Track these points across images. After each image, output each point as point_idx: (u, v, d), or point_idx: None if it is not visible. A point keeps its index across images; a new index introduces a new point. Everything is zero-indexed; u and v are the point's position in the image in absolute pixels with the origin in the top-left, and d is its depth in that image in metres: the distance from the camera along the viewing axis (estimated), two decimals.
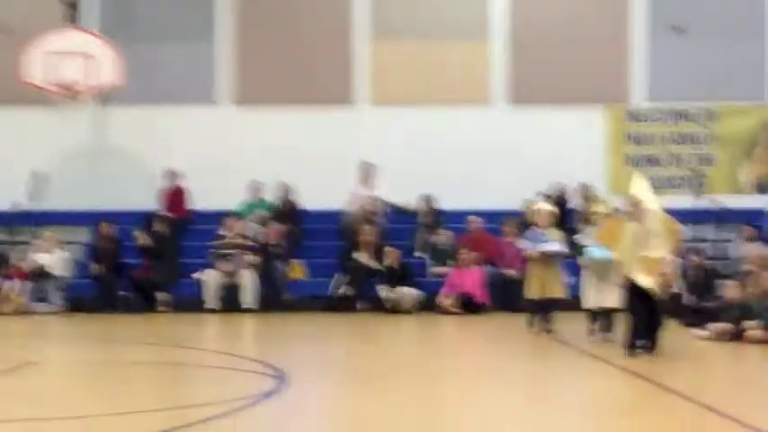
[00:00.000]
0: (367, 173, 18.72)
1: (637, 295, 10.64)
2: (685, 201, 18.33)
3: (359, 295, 17.13)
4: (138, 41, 19.23)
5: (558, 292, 13.11)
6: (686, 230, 16.57)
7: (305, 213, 18.69)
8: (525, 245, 13.34)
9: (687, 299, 14.61)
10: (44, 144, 19.36)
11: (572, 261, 13.28)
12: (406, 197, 18.75)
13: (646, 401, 8.61)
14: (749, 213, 17.98)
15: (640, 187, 10.92)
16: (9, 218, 18.67)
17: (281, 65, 19.61)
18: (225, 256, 17.32)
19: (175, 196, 19.03)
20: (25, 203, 18.77)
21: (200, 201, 18.94)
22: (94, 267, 17.51)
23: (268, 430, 7.26)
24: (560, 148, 18.96)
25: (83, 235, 18.70)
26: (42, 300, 17.24)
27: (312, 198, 18.57)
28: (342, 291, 17.14)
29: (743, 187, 19.48)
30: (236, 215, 18.18)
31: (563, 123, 19.28)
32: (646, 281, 10.53)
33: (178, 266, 17.71)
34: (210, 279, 17.15)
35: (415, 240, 18.23)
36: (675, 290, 14.02)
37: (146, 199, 18.81)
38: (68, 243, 18.28)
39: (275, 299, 17.18)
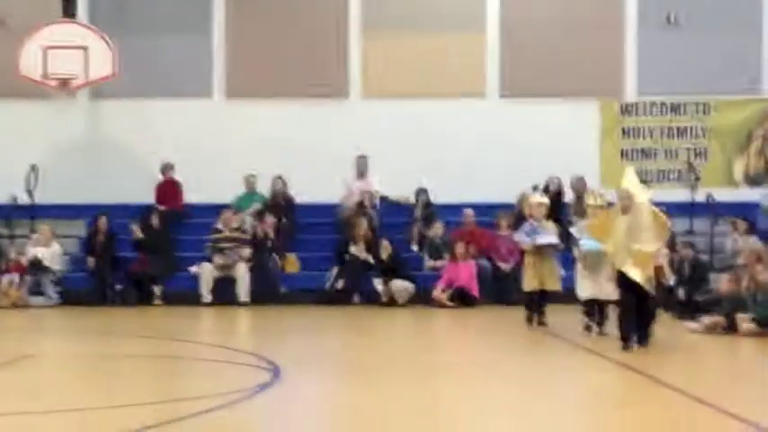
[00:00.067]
0: (362, 166, 18.74)
1: (627, 288, 10.69)
2: (679, 194, 18.37)
3: (354, 289, 17.16)
4: (132, 34, 19.21)
5: (553, 284, 13.15)
6: (675, 223, 16.69)
7: (299, 206, 18.70)
8: (521, 238, 13.36)
9: (680, 292, 14.64)
10: (40, 137, 19.34)
11: (566, 254, 13.32)
12: (401, 190, 18.78)
13: (639, 394, 8.65)
14: (742, 207, 18.01)
15: (631, 181, 10.97)
16: (6, 211, 18.67)
17: (276, 58, 19.61)
18: (220, 249, 17.34)
19: (170, 189, 19.05)
20: (22, 197, 18.75)
21: (194, 194, 18.95)
22: (90, 261, 17.52)
23: (263, 423, 7.30)
24: (554, 141, 18.98)
25: (78, 228, 18.71)
26: (39, 293, 17.25)
27: (306, 191, 18.58)
28: (337, 284, 17.16)
29: (737, 181, 19.52)
30: (231, 208, 18.19)
31: (557, 117, 19.29)
32: (636, 274, 10.56)
33: (173, 260, 17.73)
34: (205, 272, 17.16)
35: (410, 234, 18.25)
36: (669, 283, 14.05)
37: (141, 192, 18.81)
38: (64, 237, 18.29)
39: (270, 292, 17.21)
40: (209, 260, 17.27)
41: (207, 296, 17.07)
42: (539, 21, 19.61)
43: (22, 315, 16.16)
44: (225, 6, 19.83)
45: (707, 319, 12.69)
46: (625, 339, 10.73)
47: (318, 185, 18.55)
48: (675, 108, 19.64)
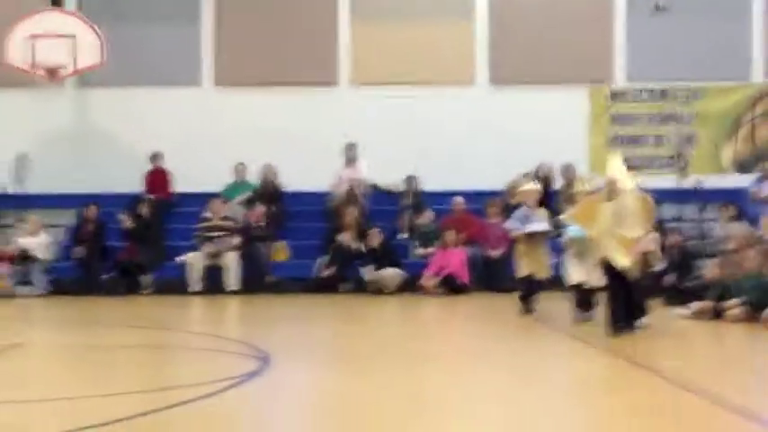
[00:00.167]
0: (351, 154, 18.74)
1: (613, 275, 10.69)
2: (668, 180, 18.39)
3: (343, 277, 17.16)
4: (120, 23, 19.18)
5: (544, 272, 13.14)
6: (664, 209, 16.72)
7: (288, 195, 18.68)
8: (513, 225, 13.34)
9: (668, 278, 14.68)
10: (27, 127, 19.29)
11: (556, 241, 13.32)
12: (390, 178, 18.79)
13: (626, 380, 8.67)
14: (731, 193, 18.05)
15: (617, 167, 10.96)
16: None
17: (265, 46, 19.57)
18: (209, 238, 17.32)
19: (159, 178, 19.02)
20: (9, 186, 18.71)
21: (183, 183, 18.93)
22: (78, 250, 17.49)
23: (252, 411, 7.30)
24: (544, 128, 19.00)
25: (66, 218, 18.68)
26: (26, 283, 17.21)
27: (295, 179, 18.57)
28: (326, 273, 17.16)
29: (725, 167, 19.57)
30: (220, 197, 18.17)
31: (546, 104, 19.31)
32: (621, 260, 10.56)
33: (162, 249, 17.71)
34: (194, 261, 17.15)
35: (399, 222, 18.26)
36: (658, 268, 14.08)
37: (129, 181, 18.79)
38: (52, 226, 18.26)
39: (259, 280, 17.21)
40: (198, 249, 17.25)
41: (196, 285, 17.06)
42: (527, 7, 19.62)
43: (9, 305, 16.12)
44: None
45: (695, 305, 12.72)
46: (612, 326, 10.74)
47: (308, 174, 18.54)
48: (664, 95, 19.65)
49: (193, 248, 17.31)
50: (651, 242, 11.74)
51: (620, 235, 10.57)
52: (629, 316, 10.87)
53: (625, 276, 10.64)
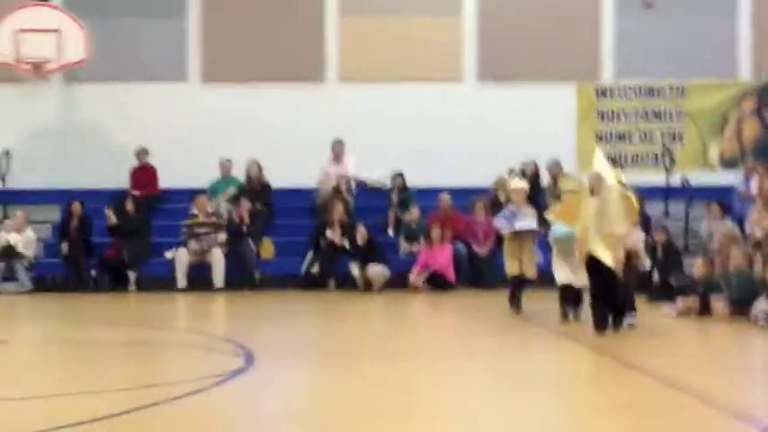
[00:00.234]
0: (338, 150, 18.71)
1: (597, 272, 10.66)
2: (655, 177, 18.39)
3: (329, 273, 17.13)
4: (106, 18, 19.07)
5: (530, 271, 13.08)
6: (651, 206, 16.74)
7: (275, 191, 18.63)
8: (500, 223, 13.28)
9: (654, 275, 14.68)
10: (12, 122, 19.18)
11: (543, 239, 13.29)
12: (377, 174, 18.76)
13: (609, 377, 8.70)
14: (718, 190, 18.07)
15: (600, 163, 10.94)
16: None
17: (251, 42, 19.50)
18: (195, 234, 17.27)
19: (145, 174, 18.95)
20: None
21: (169, 179, 18.85)
22: (64, 246, 17.41)
23: (236, 409, 7.28)
24: (531, 124, 18.97)
25: (52, 214, 18.57)
26: (11, 279, 17.12)
27: (282, 176, 18.52)
28: (313, 269, 17.13)
29: (712, 164, 19.60)
30: (207, 193, 18.12)
31: (534, 100, 19.27)
32: (606, 257, 10.54)
33: (148, 245, 17.65)
34: (181, 258, 17.09)
35: (386, 218, 18.23)
36: (645, 268, 14.08)
37: (115, 177, 18.70)
38: (37, 222, 18.16)
39: (245, 277, 17.16)
40: (184, 246, 17.20)
41: (182, 282, 17.00)
42: (515, 4, 19.61)
43: None
44: None
45: (681, 303, 12.73)
46: (597, 324, 10.74)
47: (294, 170, 18.49)
48: (651, 91, 19.67)
49: (179, 245, 17.24)
50: (637, 243, 11.71)
51: (604, 231, 10.55)
52: (615, 314, 10.86)
53: (609, 273, 10.60)
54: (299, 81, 19.45)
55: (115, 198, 18.11)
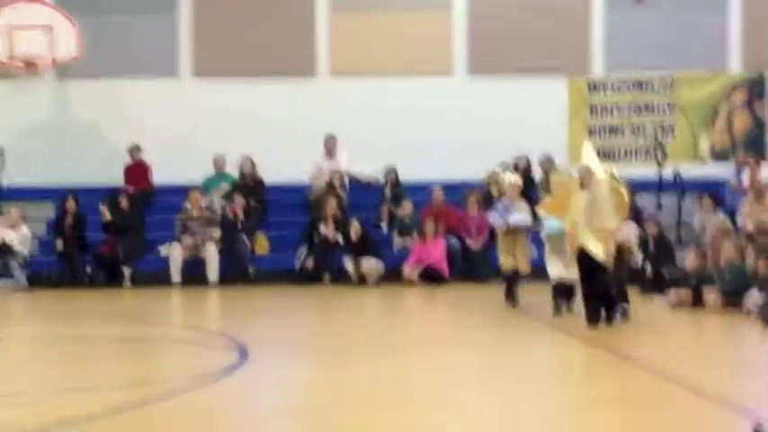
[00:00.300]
0: (330, 145, 18.72)
1: (589, 266, 10.70)
2: (647, 170, 18.43)
3: (323, 268, 17.17)
4: (98, 14, 19.05)
5: (524, 266, 13.11)
6: (643, 199, 16.79)
7: (268, 186, 18.65)
8: (494, 219, 13.30)
9: (647, 268, 14.74)
10: (5, 119, 19.16)
11: (535, 235, 13.33)
12: (369, 169, 18.78)
13: (602, 369, 8.75)
14: (709, 182, 18.12)
15: (589, 156, 10.96)
16: None
17: (243, 37, 19.50)
18: (189, 230, 17.29)
19: (138, 170, 18.95)
20: None
21: (163, 175, 18.86)
22: (58, 243, 17.41)
23: (231, 404, 7.32)
24: (522, 118, 18.98)
25: (46, 210, 18.56)
26: (6, 276, 17.12)
27: (275, 171, 18.53)
28: (307, 264, 17.16)
29: (703, 156, 19.65)
30: (200, 189, 18.13)
31: (525, 94, 19.27)
32: (597, 250, 10.58)
33: (142, 241, 17.66)
34: (175, 254, 17.11)
35: (379, 213, 18.27)
36: (637, 263, 14.13)
37: (108, 173, 18.71)
38: (32, 219, 18.15)
39: (239, 273, 17.18)
40: (179, 241, 17.22)
41: (176, 277, 17.02)
42: None
43: None
44: None
45: (674, 295, 12.80)
46: (590, 317, 10.78)
47: (287, 165, 18.50)
48: (642, 84, 19.71)
49: (174, 241, 17.25)
50: (630, 237, 11.74)
51: (594, 225, 10.58)
52: (607, 307, 10.90)
53: (600, 267, 10.63)
54: (291, 76, 19.45)
55: (109, 194, 18.12)
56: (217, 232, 17.32)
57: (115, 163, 18.82)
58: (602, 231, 10.57)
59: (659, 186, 18.17)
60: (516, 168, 17.49)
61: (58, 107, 19.64)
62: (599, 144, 18.48)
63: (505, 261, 13.08)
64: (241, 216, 17.63)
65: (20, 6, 17.96)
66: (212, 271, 17.04)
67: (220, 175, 18.83)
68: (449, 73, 19.61)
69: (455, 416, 6.81)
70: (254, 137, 18.79)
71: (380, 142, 18.76)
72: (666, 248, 15.10)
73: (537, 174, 18.15)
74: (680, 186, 18.01)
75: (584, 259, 10.68)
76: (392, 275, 16.92)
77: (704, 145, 19.69)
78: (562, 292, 12.09)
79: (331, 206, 17.48)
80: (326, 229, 17.31)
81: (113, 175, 18.72)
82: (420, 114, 19.23)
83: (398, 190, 18.39)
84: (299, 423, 6.84)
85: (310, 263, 17.16)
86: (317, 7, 19.65)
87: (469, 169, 18.17)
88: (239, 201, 17.74)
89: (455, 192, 17.98)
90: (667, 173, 18.37)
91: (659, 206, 17.87)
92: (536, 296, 12.92)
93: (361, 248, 17.06)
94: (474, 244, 17.20)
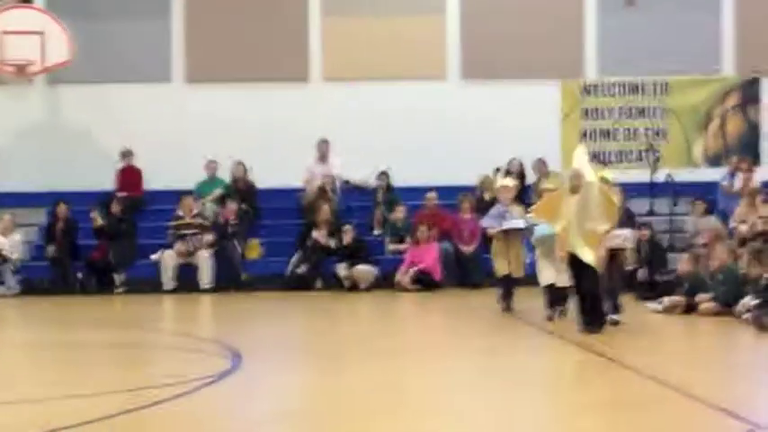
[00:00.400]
0: (323, 150, 18.70)
1: (580, 271, 10.67)
2: (640, 174, 18.42)
3: (316, 274, 17.13)
4: (90, 19, 19.02)
5: (517, 271, 13.08)
6: (636, 204, 16.76)
7: (261, 191, 18.62)
8: (489, 223, 13.27)
9: (641, 273, 14.73)
10: None
11: (528, 240, 13.30)
12: (362, 174, 18.76)
13: (595, 374, 8.73)
14: (703, 187, 18.12)
15: (581, 160, 10.93)
16: None
17: (236, 42, 19.48)
18: (182, 236, 17.24)
19: (130, 176, 18.92)
20: None
21: (155, 180, 18.83)
22: (50, 249, 17.36)
23: (224, 410, 7.28)
24: (515, 122, 18.98)
25: (37, 216, 18.51)
26: None
27: (268, 176, 18.51)
28: (300, 270, 17.12)
29: (696, 160, 19.67)
30: (192, 194, 18.09)
31: (518, 98, 19.28)
32: (588, 255, 10.55)
33: (134, 247, 17.62)
34: (167, 259, 17.07)
35: (372, 218, 18.24)
36: (630, 267, 14.12)
37: (100, 179, 18.67)
38: (23, 225, 18.10)
39: (232, 278, 17.14)
40: (171, 247, 17.18)
41: (169, 283, 16.98)
42: (499, 2, 19.62)
43: None
44: None
45: (667, 300, 12.78)
46: (583, 322, 10.76)
47: (280, 170, 18.47)
48: (635, 88, 19.73)
49: (166, 246, 17.21)
50: (626, 242, 11.71)
51: (585, 229, 10.55)
52: (600, 312, 10.87)
53: (591, 272, 10.60)
54: (284, 80, 19.43)
55: (101, 200, 18.07)
56: (209, 238, 17.28)
57: (107, 168, 18.78)
58: (592, 235, 10.54)
59: (652, 190, 18.17)
60: (509, 172, 17.50)
61: (50, 112, 19.60)
62: (592, 148, 18.49)
63: (500, 266, 13.04)
64: (233, 221, 17.58)
65: (11, 11, 17.91)
66: (205, 276, 17.00)
67: (213, 180, 18.80)
68: (442, 77, 19.61)
69: (449, 421, 6.79)
70: (246, 142, 18.77)
71: (373, 147, 18.73)
72: (659, 253, 15.10)
73: (530, 177, 18.14)
74: (673, 190, 18.02)
75: (576, 264, 10.65)
76: (386, 280, 16.89)
77: (697, 149, 19.71)
78: (554, 299, 12.06)
79: (324, 211, 17.45)
80: (319, 235, 17.27)
81: (105, 181, 18.68)
82: (413, 119, 19.22)
83: (391, 194, 18.37)
84: (294, 429, 6.81)
85: (303, 268, 17.10)
86: (309, 12, 19.63)
87: (462, 173, 18.16)
88: (232, 206, 17.70)
89: (448, 195, 17.96)
90: (660, 177, 18.38)
91: (652, 210, 17.88)
92: (530, 301, 12.90)
93: (354, 253, 17.02)
94: (467, 249, 17.16)
